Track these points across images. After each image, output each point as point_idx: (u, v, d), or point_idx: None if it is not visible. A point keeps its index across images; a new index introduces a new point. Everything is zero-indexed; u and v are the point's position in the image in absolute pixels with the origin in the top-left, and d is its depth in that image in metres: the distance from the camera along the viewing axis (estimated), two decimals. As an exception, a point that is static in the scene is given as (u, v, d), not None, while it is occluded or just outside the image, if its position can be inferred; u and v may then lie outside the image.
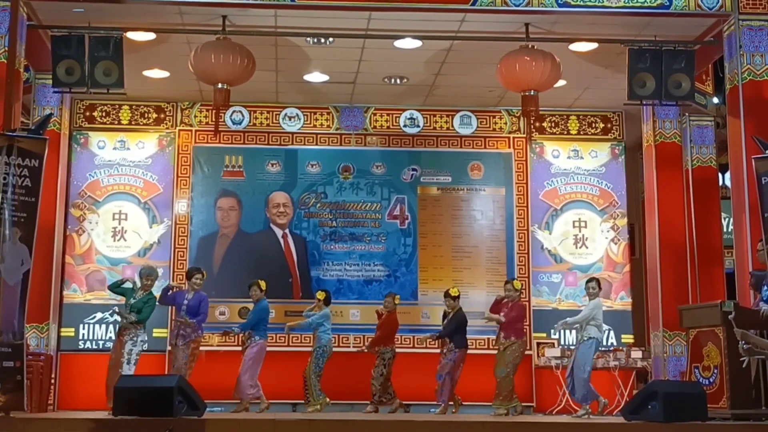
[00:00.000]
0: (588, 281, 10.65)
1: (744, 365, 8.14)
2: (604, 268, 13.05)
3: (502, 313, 10.79)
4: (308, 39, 11.22)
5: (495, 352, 10.93)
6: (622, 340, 12.88)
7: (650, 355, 12.04)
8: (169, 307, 11.37)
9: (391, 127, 13.43)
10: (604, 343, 12.44)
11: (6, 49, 9.59)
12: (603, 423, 9.10)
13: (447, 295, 11.19)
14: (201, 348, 10.66)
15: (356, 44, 11.31)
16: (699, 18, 10.36)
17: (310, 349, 11.37)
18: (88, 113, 13.10)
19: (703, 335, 9.16)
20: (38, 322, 11.41)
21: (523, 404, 11.10)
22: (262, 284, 11.10)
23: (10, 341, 8.60)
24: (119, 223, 12.96)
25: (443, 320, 11.25)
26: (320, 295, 11.51)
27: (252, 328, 10.92)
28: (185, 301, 10.59)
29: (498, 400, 10.61)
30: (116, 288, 10.49)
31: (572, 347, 12.35)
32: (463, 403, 11.05)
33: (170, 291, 10.76)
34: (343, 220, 13.25)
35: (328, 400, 11.05)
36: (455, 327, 10.98)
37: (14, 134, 9.06)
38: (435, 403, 10.97)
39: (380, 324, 11.55)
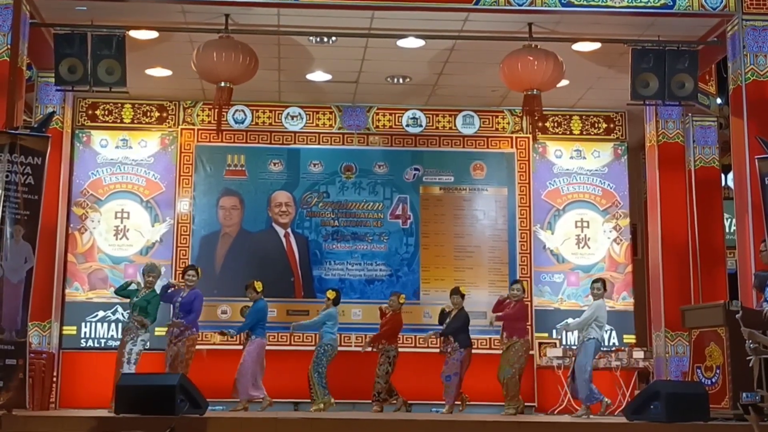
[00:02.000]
0: (593, 282, 10.63)
1: (750, 364, 8.12)
2: (606, 269, 13.04)
3: (503, 313, 10.77)
4: (311, 38, 11.21)
5: (497, 352, 10.91)
6: (624, 341, 12.86)
7: (652, 355, 12.02)
8: (170, 306, 11.34)
9: (393, 126, 13.43)
10: (606, 343, 12.45)
11: (9, 47, 9.57)
12: (605, 423, 9.10)
13: (456, 292, 11.13)
14: (203, 346, 10.64)
15: (359, 43, 11.30)
16: (702, 18, 10.35)
17: (312, 348, 11.35)
18: (90, 111, 13.09)
19: (706, 335, 9.17)
20: (40, 321, 11.42)
21: (525, 404, 11.06)
22: (258, 285, 11.02)
23: (13, 339, 8.61)
24: (121, 222, 12.95)
25: (441, 318, 11.22)
26: (330, 294, 11.40)
27: (250, 329, 10.90)
28: (179, 299, 10.57)
29: (507, 401, 10.57)
30: (122, 291, 10.49)
31: (574, 347, 12.40)
32: (468, 402, 11.02)
33: (169, 289, 10.74)
34: (345, 219, 13.24)
35: (333, 400, 10.97)
36: (460, 325, 10.94)
37: (17, 132, 9.05)
38: (437, 402, 10.95)
39: (384, 322, 11.51)
